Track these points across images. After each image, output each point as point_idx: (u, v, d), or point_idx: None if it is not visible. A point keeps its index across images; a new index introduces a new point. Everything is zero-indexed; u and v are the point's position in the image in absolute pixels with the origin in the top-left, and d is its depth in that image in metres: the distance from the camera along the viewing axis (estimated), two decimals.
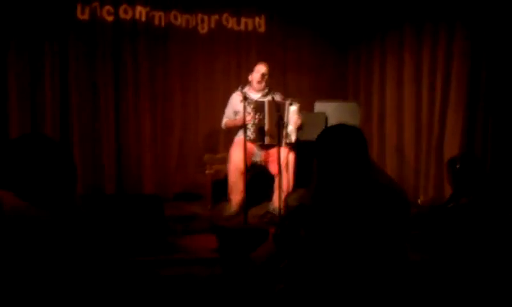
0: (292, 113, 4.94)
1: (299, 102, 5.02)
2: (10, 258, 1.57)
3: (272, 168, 4.93)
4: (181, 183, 5.96)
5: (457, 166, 3.55)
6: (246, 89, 4.94)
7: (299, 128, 5.01)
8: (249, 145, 4.83)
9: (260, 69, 5.04)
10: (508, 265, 2.64)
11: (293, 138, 4.96)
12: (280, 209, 4.56)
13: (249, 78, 5.12)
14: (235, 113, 5.07)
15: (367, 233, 1.99)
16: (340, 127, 2.20)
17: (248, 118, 4.76)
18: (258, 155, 5.05)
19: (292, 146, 4.96)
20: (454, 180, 3.56)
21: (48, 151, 1.78)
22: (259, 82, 5.02)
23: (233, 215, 4.87)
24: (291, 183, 4.93)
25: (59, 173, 1.78)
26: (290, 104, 4.95)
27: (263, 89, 5.06)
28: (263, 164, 5.06)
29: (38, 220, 1.65)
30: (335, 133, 2.19)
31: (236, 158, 4.84)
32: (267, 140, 4.91)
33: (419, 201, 5.04)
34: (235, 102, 5.01)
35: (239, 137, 4.97)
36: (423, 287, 2.50)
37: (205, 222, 4.74)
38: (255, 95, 5.02)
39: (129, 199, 4.13)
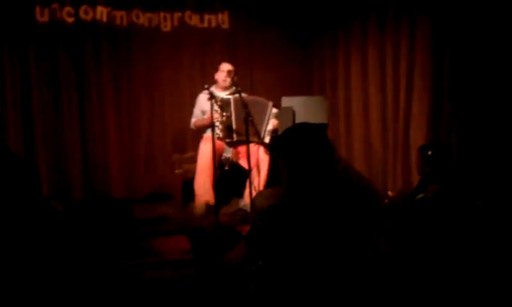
0: (273, 115, 4.98)
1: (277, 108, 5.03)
2: None
3: (244, 164, 4.93)
4: (150, 184, 5.90)
5: (429, 153, 3.62)
6: (213, 88, 4.93)
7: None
8: (219, 142, 4.82)
9: (225, 67, 5.05)
10: (478, 254, 2.70)
11: (267, 139, 4.97)
12: (251, 206, 4.54)
13: (215, 77, 5.11)
14: (203, 112, 5.06)
15: (337, 231, 2.00)
16: (301, 126, 2.18)
17: (216, 115, 4.74)
18: (229, 151, 5.08)
19: (267, 146, 4.97)
20: (425, 166, 3.63)
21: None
22: (224, 80, 5.02)
23: (202, 214, 4.82)
24: (263, 181, 4.92)
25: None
26: (273, 106, 4.99)
27: (229, 88, 5.05)
28: (234, 159, 5.05)
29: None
30: (296, 134, 2.16)
31: (205, 152, 4.82)
32: (235, 137, 4.90)
33: (389, 193, 5.11)
34: (202, 101, 5.00)
35: (208, 134, 4.94)
36: (396, 280, 2.53)
37: (176, 224, 4.71)
38: (222, 93, 5.01)
39: (98, 204, 4.07)
